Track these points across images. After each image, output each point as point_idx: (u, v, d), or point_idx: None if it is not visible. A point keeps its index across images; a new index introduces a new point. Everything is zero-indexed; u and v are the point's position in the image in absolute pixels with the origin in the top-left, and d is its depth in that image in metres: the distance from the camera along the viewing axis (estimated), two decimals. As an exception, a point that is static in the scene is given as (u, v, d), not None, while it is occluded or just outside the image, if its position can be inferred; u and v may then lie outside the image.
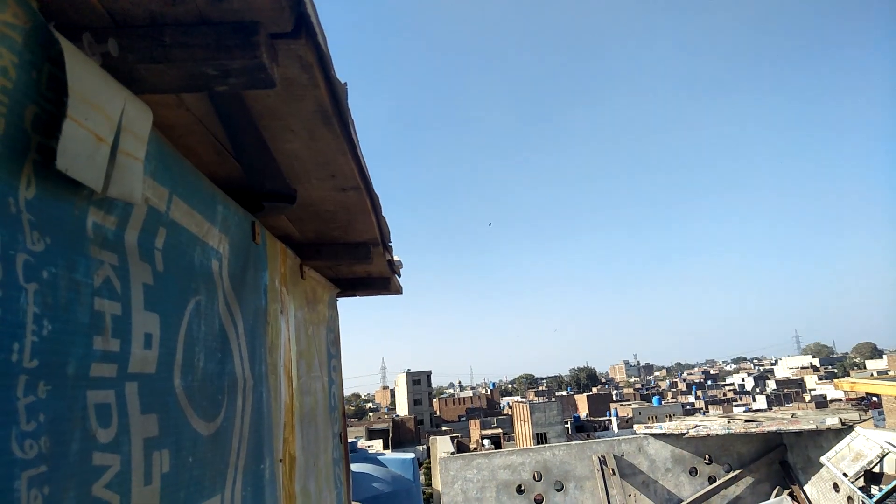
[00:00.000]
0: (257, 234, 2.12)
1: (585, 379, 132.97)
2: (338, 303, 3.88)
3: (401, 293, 4.06)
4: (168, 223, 1.51)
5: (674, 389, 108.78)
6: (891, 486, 7.69)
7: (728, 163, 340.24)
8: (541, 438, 53.62)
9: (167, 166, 1.51)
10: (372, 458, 7.30)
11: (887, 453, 8.22)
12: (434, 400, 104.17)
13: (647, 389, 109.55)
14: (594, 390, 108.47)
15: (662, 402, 79.76)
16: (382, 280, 3.66)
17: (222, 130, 1.60)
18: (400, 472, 7.02)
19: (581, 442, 10.86)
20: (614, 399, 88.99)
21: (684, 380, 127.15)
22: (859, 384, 6.60)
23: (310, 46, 1.21)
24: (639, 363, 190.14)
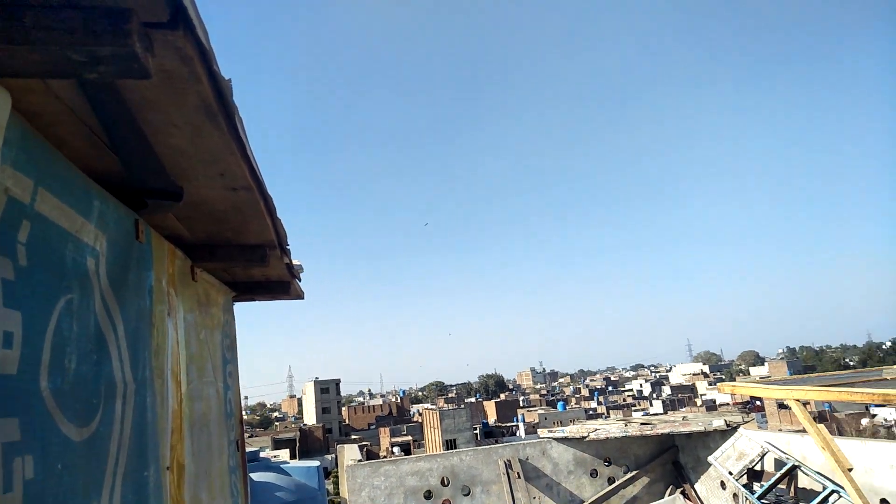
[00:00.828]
0: (141, 232, 2.00)
1: (494, 386, 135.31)
2: (237, 307, 3.75)
3: (302, 298, 3.97)
4: (33, 216, 1.41)
5: (577, 395, 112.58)
6: (770, 482, 8.28)
7: (626, 173, 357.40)
8: (450, 445, 53.94)
9: (32, 156, 1.40)
10: (275, 467, 7.08)
11: (767, 452, 8.84)
12: (343, 408, 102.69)
13: (552, 395, 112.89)
14: (502, 397, 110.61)
15: (567, 408, 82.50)
16: (282, 284, 3.57)
17: (97, 122, 1.51)
18: (304, 480, 6.86)
19: (487, 447, 11.01)
20: (521, 405, 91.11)
21: (587, 386, 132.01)
22: (739, 387, 7.09)
23: (189, 39, 1.17)
24: (544, 370, 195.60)
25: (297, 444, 67.84)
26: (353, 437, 71.88)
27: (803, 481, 8.19)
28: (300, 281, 3.68)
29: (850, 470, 4.75)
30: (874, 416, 53.73)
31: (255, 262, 2.68)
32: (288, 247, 2.87)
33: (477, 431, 66.56)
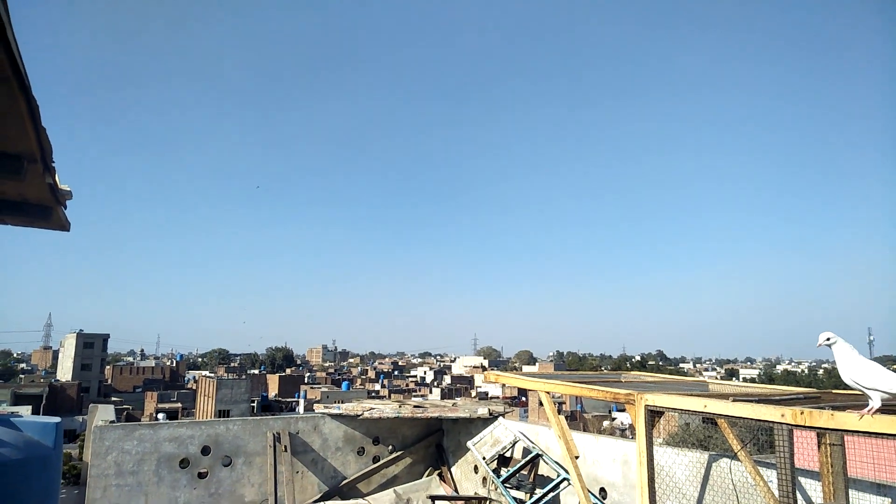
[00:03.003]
0: None
1: (281, 359, 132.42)
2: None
3: (66, 229, 3.53)
4: None
5: (364, 377, 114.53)
6: (515, 468, 9.12)
7: (457, 164, 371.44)
8: (223, 415, 51.75)
9: None
10: (2, 419, 6.22)
11: (518, 441, 9.72)
12: (107, 367, 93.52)
13: (339, 375, 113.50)
14: (288, 371, 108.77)
15: (351, 388, 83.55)
16: (43, 209, 3.14)
17: None
18: (38, 437, 6.12)
19: (258, 418, 10.74)
20: (306, 381, 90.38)
21: (375, 368, 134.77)
22: (502, 377, 7.76)
23: None
24: (336, 349, 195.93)
25: (44, 402, 60.49)
26: (113, 399, 65.70)
27: (543, 469, 9.15)
28: (65, 209, 3.27)
29: (577, 457, 5.44)
30: (614, 419, 61.87)
31: (8, 175, 2.33)
32: (53, 164, 2.53)
33: (254, 404, 64.73)
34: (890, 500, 4.79)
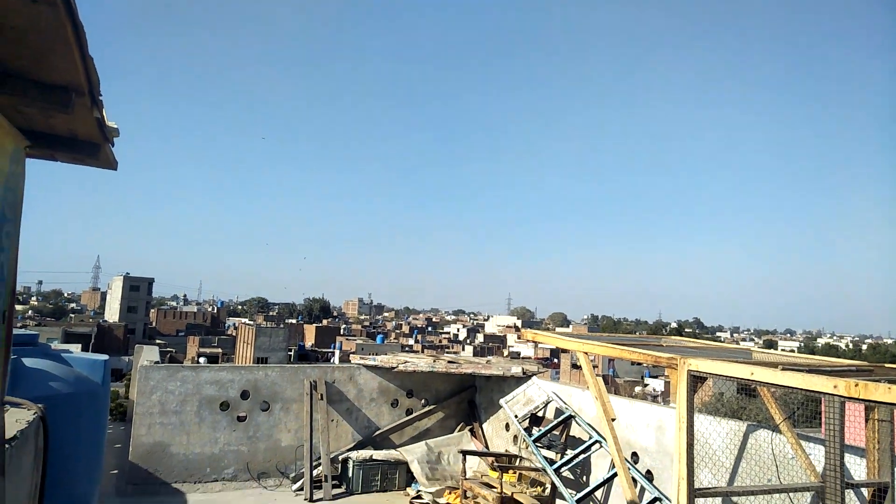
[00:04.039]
0: None
1: (318, 310, 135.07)
2: (36, 165, 3.24)
3: (114, 168, 3.52)
4: None
5: (398, 331, 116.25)
6: (547, 428, 9.14)
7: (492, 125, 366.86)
8: (261, 362, 53.28)
9: None
10: (54, 355, 6.43)
11: (550, 401, 9.72)
12: (152, 310, 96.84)
13: (374, 328, 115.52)
14: (325, 322, 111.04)
15: (385, 341, 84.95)
16: (91, 145, 3.13)
17: None
18: (87, 374, 6.33)
19: (296, 366, 10.97)
20: (342, 333, 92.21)
21: (409, 323, 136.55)
22: (539, 336, 7.74)
23: None
24: (372, 302, 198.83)
25: (93, 341, 63.07)
26: (158, 341, 68.19)
27: (575, 430, 9.15)
28: (113, 146, 3.27)
29: (613, 420, 5.39)
30: (646, 385, 61.80)
31: (56, 107, 2.30)
32: (101, 97, 2.50)
33: (291, 353, 66.40)
34: (938, 479, 4.62)
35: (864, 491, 4.75)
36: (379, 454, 10.34)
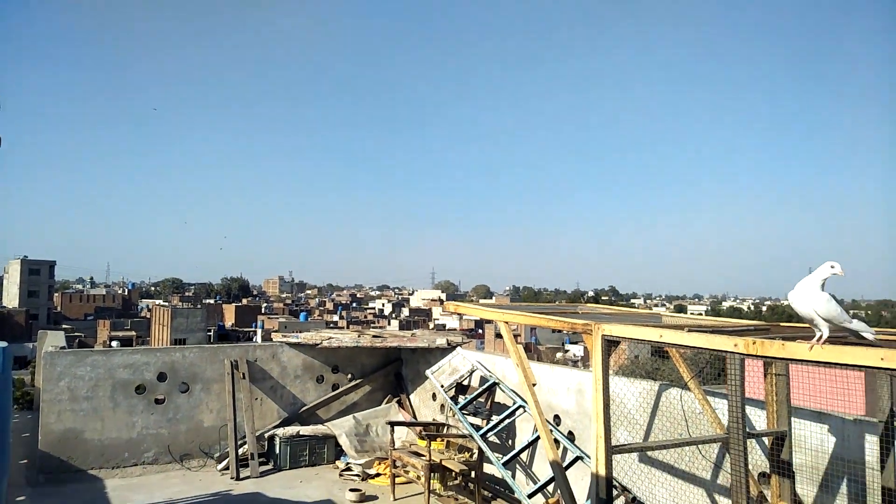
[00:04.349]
0: None
1: (237, 290, 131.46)
2: None
3: None
4: None
5: (322, 308, 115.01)
6: (472, 396, 9.34)
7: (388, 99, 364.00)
8: (179, 344, 51.48)
9: None
10: (-53, 345, 6.01)
11: (475, 370, 9.92)
12: (56, 294, 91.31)
13: (296, 306, 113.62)
14: (244, 301, 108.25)
15: (309, 319, 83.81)
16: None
17: None
18: (-16, 362, 5.94)
19: (215, 346, 10.67)
20: (263, 312, 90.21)
21: (333, 300, 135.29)
22: (461, 307, 7.89)
23: None
24: (293, 280, 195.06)
25: (-10, 328, 58.92)
26: (64, 326, 64.50)
27: (499, 397, 9.40)
28: None
29: (534, 385, 5.59)
30: (567, 351, 64.05)
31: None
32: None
33: (211, 334, 64.48)
34: (828, 426, 5.07)
35: (766, 440, 5.15)
36: (306, 430, 10.28)
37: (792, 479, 4.99)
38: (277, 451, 9.90)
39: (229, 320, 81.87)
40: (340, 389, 11.22)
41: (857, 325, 3.32)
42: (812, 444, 5.18)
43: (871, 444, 4.57)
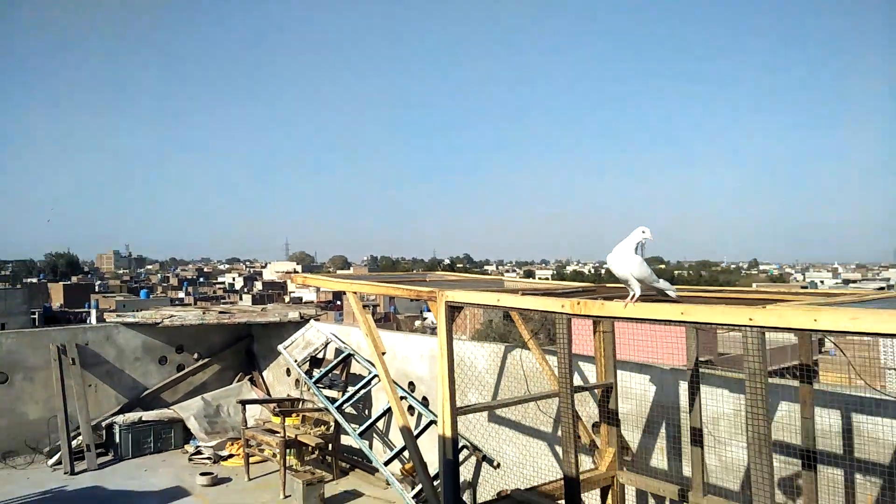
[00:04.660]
0: None
1: (65, 266, 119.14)
2: None
3: None
4: None
5: (165, 284, 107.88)
6: (327, 368, 9.32)
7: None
8: (-3, 330, 46.00)
9: None
10: None
11: (330, 342, 9.88)
12: None
13: (136, 283, 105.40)
14: (74, 279, 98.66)
15: (151, 296, 78.16)
16: None
17: None
18: None
19: (37, 330, 9.71)
20: (97, 290, 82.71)
21: (177, 275, 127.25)
22: (309, 279, 7.90)
23: None
24: (130, 255, 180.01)
25: None
26: None
27: (356, 368, 9.46)
28: None
29: (384, 354, 5.71)
30: (425, 318, 65.41)
31: None
32: None
33: (35, 316, 58.14)
34: (649, 377, 5.70)
35: (596, 392, 5.68)
36: (150, 415, 9.73)
37: (618, 426, 5.56)
38: (118, 440, 9.28)
39: (57, 301, 74.20)
40: (187, 370, 10.71)
41: (662, 284, 3.74)
42: (636, 394, 5.80)
43: (683, 390, 5.20)
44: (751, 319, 2.93)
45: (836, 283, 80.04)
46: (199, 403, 10.08)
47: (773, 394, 4.80)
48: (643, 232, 3.63)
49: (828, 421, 4.39)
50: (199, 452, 9.37)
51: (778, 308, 2.91)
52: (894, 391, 4.78)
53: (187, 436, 9.81)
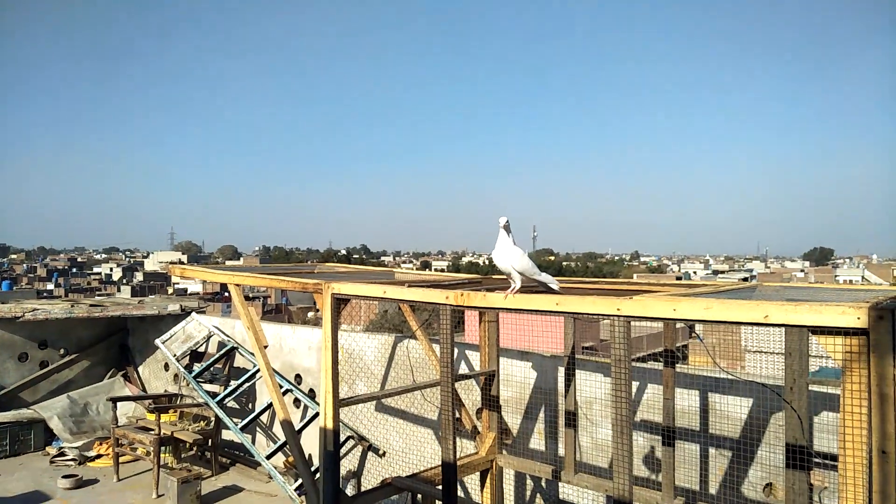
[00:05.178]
0: None
1: None
2: None
3: None
4: None
5: (32, 275, 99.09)
6: (208, 363, 8.92)
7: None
8: None
9: None
10: None
11: (212, 335, 9.48)
12: None
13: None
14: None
15: (15, 288, 71.46)
16: None
17: None
18: None
19: None
20: (-50, 282, 74.68)
21: (46, 266, 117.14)
22: (188, 271, 7.46)
23: None
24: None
25: None
26: None
27: (240, 361, 9.13)
28: None
29: (266, 347, 5.53)
30: (318, 310, 64.24)
31: None
32: None
33: None
34: (531, 363, 5.90)
35: (480, 378, 5.80)
36: (6, 416, 8.97)
37: (499, 412, 5.72)
38: (-33, 445, 8.44)
39: None
40: (51, 367, 9.93)
41: (544, 277, 3.86)
42: (518, 380, 5.99)
43: (561, 376, 5.42)
44: (618, 309, 3.08)
45: (707, 274, 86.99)
46: (65, 402, 9.36)
47: (642, 377, 5.13)
48: (499, 221, 3.71)
49: (688, 401, 4.73)
50: (62, 454, 8.71)
51: (643, 299, 3.09)
52: (753, 372, 5.24)
53: (50, 437, 9.10)
